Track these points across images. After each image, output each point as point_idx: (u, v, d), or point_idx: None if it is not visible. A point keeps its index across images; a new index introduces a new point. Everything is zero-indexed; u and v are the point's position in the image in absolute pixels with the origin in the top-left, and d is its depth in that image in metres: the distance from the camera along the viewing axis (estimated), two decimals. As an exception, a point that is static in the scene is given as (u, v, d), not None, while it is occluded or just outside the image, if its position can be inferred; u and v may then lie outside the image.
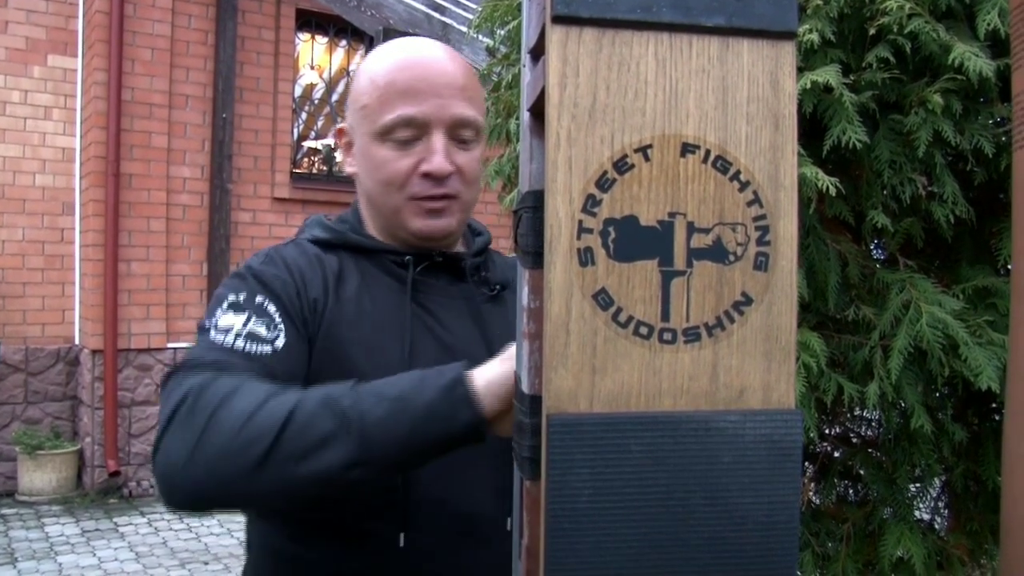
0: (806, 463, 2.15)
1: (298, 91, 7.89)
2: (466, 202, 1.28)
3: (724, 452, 0.64)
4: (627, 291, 0.63)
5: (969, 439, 1.95)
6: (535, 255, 0.68)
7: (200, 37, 7.27)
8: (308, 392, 0.99)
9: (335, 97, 8.21)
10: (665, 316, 0.63)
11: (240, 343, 1.11)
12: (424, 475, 1.13)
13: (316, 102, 8.09)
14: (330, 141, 8.11)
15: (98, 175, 6.79)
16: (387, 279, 1.27)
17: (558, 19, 0.62)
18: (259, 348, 1.12)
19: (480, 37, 2.83)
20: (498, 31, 2.53)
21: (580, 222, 0.62)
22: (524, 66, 0.76)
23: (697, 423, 0.63)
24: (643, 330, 0.63)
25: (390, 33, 3.83)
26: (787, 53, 0.66)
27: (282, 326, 1.15)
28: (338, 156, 1.35)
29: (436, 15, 4.25)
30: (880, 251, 2.06)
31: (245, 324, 1.14)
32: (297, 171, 7.83)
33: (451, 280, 1.31)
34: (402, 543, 1.16)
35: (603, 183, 0.62)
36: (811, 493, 2.16)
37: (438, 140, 1.22)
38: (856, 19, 1.79)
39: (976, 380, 1.69)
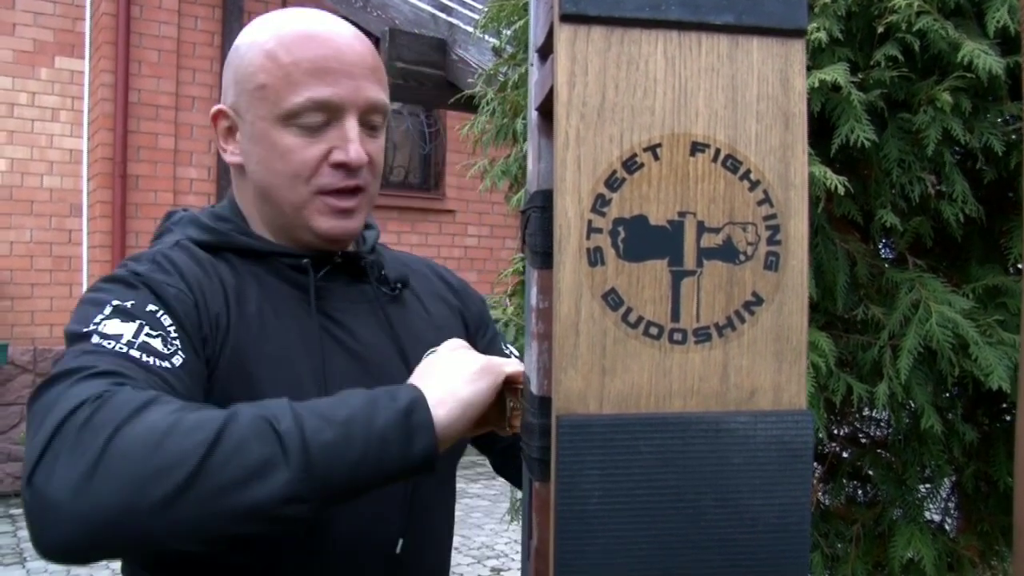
0: (815, 464, 2.14)
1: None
2: (372, 196, 1.15)
3: (735, 453, 0.63)
4: (637, 291, 0.62)
5: (979, 439, 1.94)
6: (544, 255, 0.68)
7: (206, 39, 7.29)
8: (237, 409, 0.82)
9: (341, 98, 8.19)
10: (675, 316, 0.63)
11: (135, 352, 0.92)
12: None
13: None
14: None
15: (105, 176, 6.81)
16: (286, 287, 1.12)
17: (566, 17, 0.61)
18: (156, 362, 0.93)
19: (486, 37, 2.83)
20: (504, 31, 2.53)
21: (589, 222, 0.61)
22: (532, 65, 0.76)
23: (707, 424, 0.63)
24: (653, 330, 0.62)
25: (397, 34, 3.84)
26: (797, 51, 0.65)
27: (178, 343, 0.97)
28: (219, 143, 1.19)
29: (442, 15, 4.25)
30: (889, 250, 2.05)
31: (136, 335, 0.94)
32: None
33: (350, 281, 1.18)
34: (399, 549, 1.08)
35: (612, 182, 0.62)
36: (820, 494, 2.15)
37: (352, 127, 1.08)
38: (864, 17, 1.79)
39: (986, 380, 1.68)
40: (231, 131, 1.16)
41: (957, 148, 1.79)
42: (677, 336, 0.63)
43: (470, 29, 3.72)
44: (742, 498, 0.63)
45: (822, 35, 1.70)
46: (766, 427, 0.64)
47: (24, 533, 5.96)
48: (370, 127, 1.12)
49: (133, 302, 0.98)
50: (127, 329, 0.94)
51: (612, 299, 0.62)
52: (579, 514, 0.61)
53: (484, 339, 1.34)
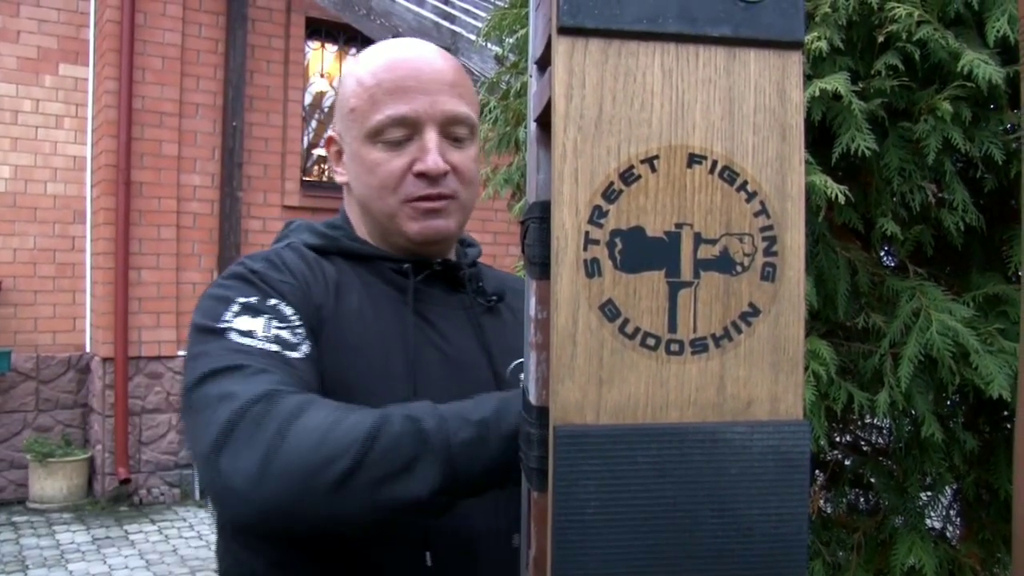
0: (816, 472, 2.14)
1: (308, 99, 7.92)
2: (464, 202, 1.23)
3: (731, 464, 0.63)
4: (634, 302, 0.62)
5: (980, 447, 1.94)
6: (542, 265, 0.68)
7: (210, 46, 7.31)
8: (388, 410, 0.92)
9: (345, 105, 8.21)
10: (672, 327, 0.63)
11: (272, 347, 1.05)
12: None
13: (326, 110, 8.12)
14: (323, 151, 8.14)
15: (109, 183, 6.82)
16: (386, 288, 1.22)
17: (564, 30, 0.62)
18: (290, 353, 1.05)
19: (489, 45, 2.84)
20: (507, 39, 2.53)
21: (587, 233, 0.62)
22: (531, 76, 0.76)
23: (704, 435, 0.63)
24: (650, 341, 0.63)
25: (399, 41, 3.85)
26: (794, 63, 0.65)
27: (302, 331, 1.09)
28: (330, 166, 1.32)
29: (445, 23, 4.26)
30: (890, 258, 2.06)
31: (267, 328, 1.07)
32: (307, 179, 7.85)
33: (448, 290, 1.26)
34: (429, 562, 1.10)
35: (609, 194, 0.62)
36: (822, 502, 2.15)
37: (431, 138, 1.16)
38: (865, 26, 1.79)
39: (987, 388, 1.68)
40: (339, 155, 1.27)
41: (958, 157, 1.79)
42: (674, 347, 0.63)
43: (473, 37, 3.73)
44: (739, 508, 0.63)
45: (823, 44, 1.70)
46: (763, 437, 0.64)
47: (26, 541, 5.96)
48: (454, 139, 1.19)
49: (257, 298, 1.10)
50: (258, 324, 1.07)
51: (609, 310, 0.62)
52: (576, 524, 0.62)
53: None
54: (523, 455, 0.73)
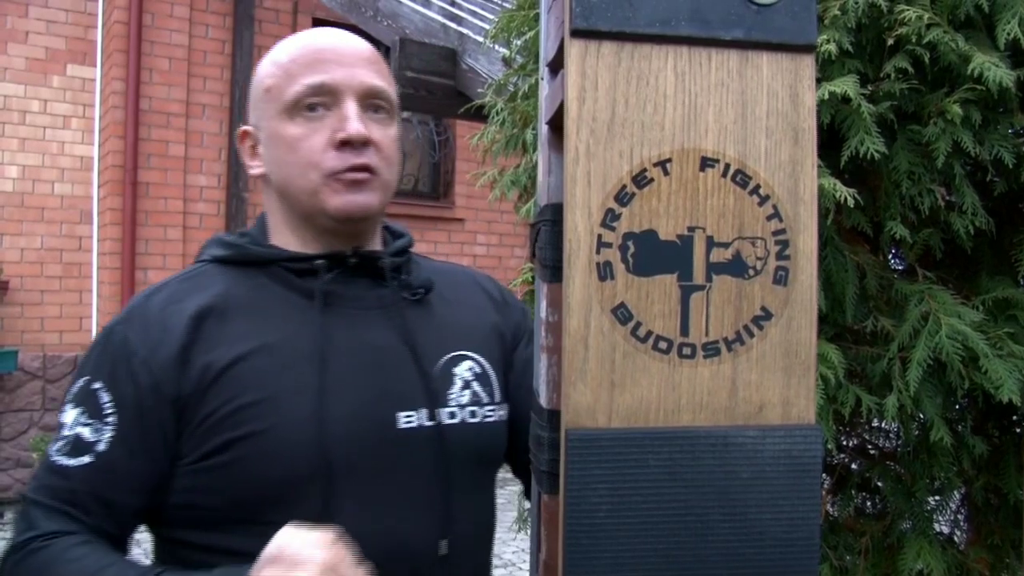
0: (824, 475, 2.14)
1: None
2: (386, 181, 1.17)
3: (743, 468, 0.63)
4: (646, 306, 0.62)
5: (989, 452, 1.93)
6: (554, 268, 0.68)
7: (217, 47, 7.32)
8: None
9: (351, 106, 8.23)
10: (684, 331, 0.63)
11: (61, 460, 1.07)
12: (348, 507, 1.07)
13: (332, 111, 8.11)
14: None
15: (116, 184, 6.84)
16: (291, 295, 1.15)
17: (577, 33, 0.62)
18: (71, 462, 1.07)
19: (496, 47, 2.84)
20: (514, 41, 2.53)
21: (599, 236, 0.62)
22: (543, 79, 0.76)
23: (716, 438, 0.63)
24: (662, 345, 0.63)
25: (407, 43, 3.85)
26: (806, 66, 0.65)
27: (110, 422, 1.08)
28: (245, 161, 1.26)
29: (453, 25, 4.26)
30: (898, 262, 2.05)
31: (74, 424, 1.08)
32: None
33: (370, 284, 1.19)
34: None
35: (622, 197, 0.62)
36: (829, 506, 2.15)
37: (350, 106, 1.12)
38: (874, 29, 1.79)
39: (996, 392, 1.68)
40: (254, 148, 1.21)
41: (967, 160, 1.79)
42: (686, 351, 0.63)
43: (480, 39, 3.73)
44: (750, 512, 0.63)
45: (832, 47, 1.70)
46: (775, 441, 0.64)
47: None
48: (374, 111, 1.16)
49: (86, 379, 1.11)
50: (70, 417, 1.09)
51: (621, 313, 0.62)
52: (588, 527, 0.62)
53: (525, 351, 1.33)
54: (534, 458, 0.73)
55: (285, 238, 1.20)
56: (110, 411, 1.07)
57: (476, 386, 1.22)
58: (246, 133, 1.22)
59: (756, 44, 0.64)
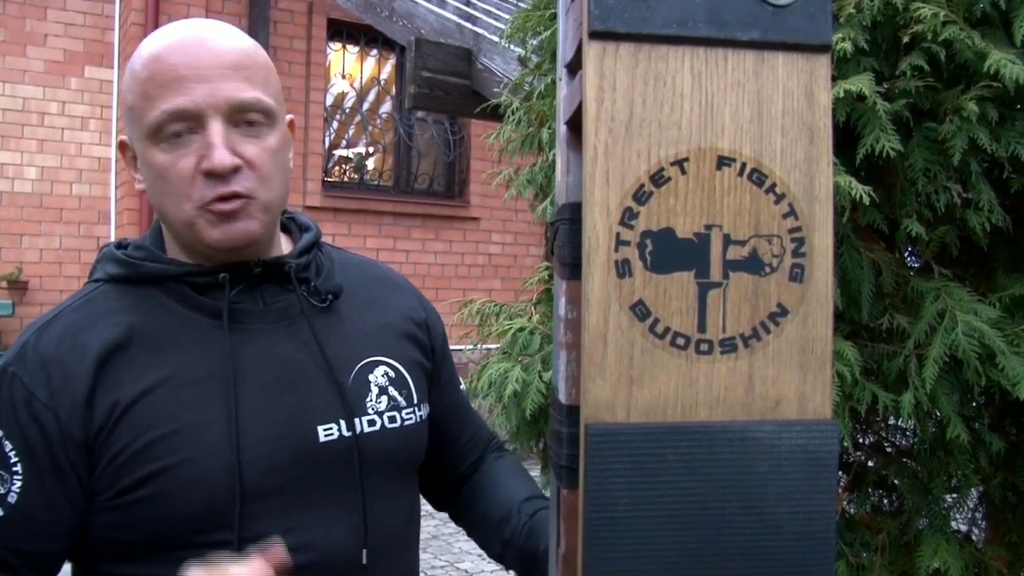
0: (840, 473, 2.14)
1: (329, 100, 7.96)
2: (266, 202, 1.07)
3: (760, 462, 0.64)
4: (664, 302, 0.63)
5: (1007, 449, 1.93)
6: (572, 266, 0.69)
7: (233, 48, 7.35)
8: None
9: (366, 106, 8.27)
10: (702, 327, 0.64)
11: None
12: (268, 527, 1.03)
13: (347, 111, 8.15)
14: (361, 149, 8.17)
15: (133, 184, 6.88)
16: (194, 314, 1.09)
17: (595, 35, 0.63)
18: None
19: (511, 47, 2.84)
20: (530, 41, 2.54)
21: (618, 234, 0.63)
22: (561, 80, 0.77)
23: (733, 433, 0.64)
24: (680, 341, 0.64)
25: (422, 43, 3.86)
26: (822, 66, 0.66)
27: (19, 470, 1.01)
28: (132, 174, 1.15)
29: (468, 25, 4.27)
30: (914, 259, 2.05)
31: None
32: (328, 179, 7.90)
33: (276, 292, 1.13)
34: None
35: (640, 196, 0.63)
36: (846, 503, 2.15)
37: (215, 131, 1.01)
38: (889, 27, 1.79)
39: (1014, 390, 1.68)
40: (135, 160, 1.12)
41: (983, 157, 1.79)
42: (703, 347, 0.64)
43: (495, 39, 3.74)
44: (767, 506, 0.64)
45: (847, 45, 1.70)
46: (791, 436, 0.65)
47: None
48: (248, 125, 1.05)
49: None
50: None
51: (640, 310, 0.63)
52: (607, 521, 0.63)
53: (445, 370, 1.34)
54: (553, 453, 0.74)
55: (180, 252, 1.13)
56: (15, 459, 1.01)
57: (392, 391, 1.18)
58: (123, 144, 1.13)
59: (772, 44, 0.65)
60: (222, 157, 1.01)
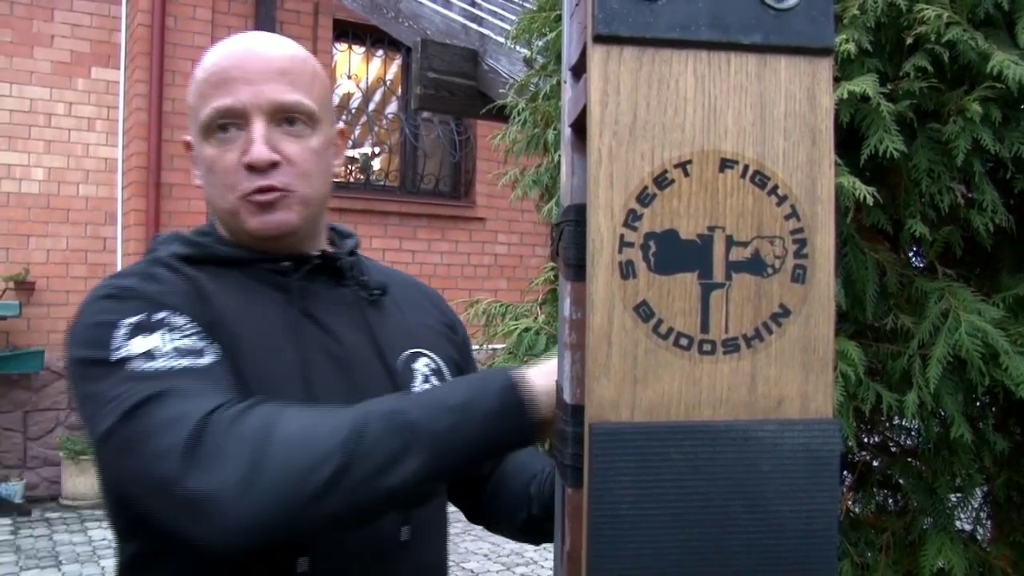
0: (845, 472, 2.14)
1: (335, 101, 7.97)
2: (305, 196, 1.16)
3: (763, 461, 0.65)
4: (667, 303, 0.64)
5: (1011, 449, 1.93)
6: (577, 267, 0.70)
7: (239, 49, 7.37)
8: (363, 407, 0.92)
9: (372, 106, 8.28)
10: (705, 328, 0.64)
11: (181, 362, 0.98)
12: None
13: (353, 111, 8.16)
14: (367, 150, 8.18)
15: (139, 185, 6.90)
16: (267, 289, 1.16)
17: (599, 39, 0.64)
18: (201, 361, 1.00)
19: (517, 48, 2.85)
20: (536, 42, 2.55)
21: (622, 236, 0.63)
22: (565, 82, 0.78)
23: (736, 432, 0.64)
24: (683, 341, 0.64)
25: (428, 44, 3.87)
26: (824, 69, 0.67)
27: (201, 336, 1.03)
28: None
29: (473, 26, 4.28)
30: (918, 259, 2.05)
31: (165, 343, 1.00)
32: (334, 179, 7.90)
33: (331, 283, 1.22)
34: (302, 568, 1.05)
35: (644, 198, 0.64)
36: (851, 502, 2.15)
37: (256, 128, 1.11)
38: (893, 28, 1.79)
39: (1017, 389, 1.68)
40: (196, 158, 1.21)
41: (987, 158, 1.79)
42: (706, 347, 0.65)
43: (501, 40, 3.75)
44: (770, 504, 0.65)
45: (851, 46, 1.71)
46: (793, 435, 0.65)
47: (59, 537, 6.04)
48: (289, 124, 1.14)
49: (141, 315, 1.02)
50: (155, 342, 1.00)
51: (643, 311, 0.64)
52: (611, 519, 0.63)
53: (470, 369, 1.39)
54: (557, 452, 0.74)
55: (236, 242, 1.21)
56: (193, 330, 1.03)
57: (434, 380, 1.25)
58: (187, 143, 1.22)
59: (774, 48, 0.65)
60: (260, 152, 1.11)
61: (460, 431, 0.90)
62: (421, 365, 1.25)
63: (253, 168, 1.11)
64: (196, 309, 1.07)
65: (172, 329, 1.02)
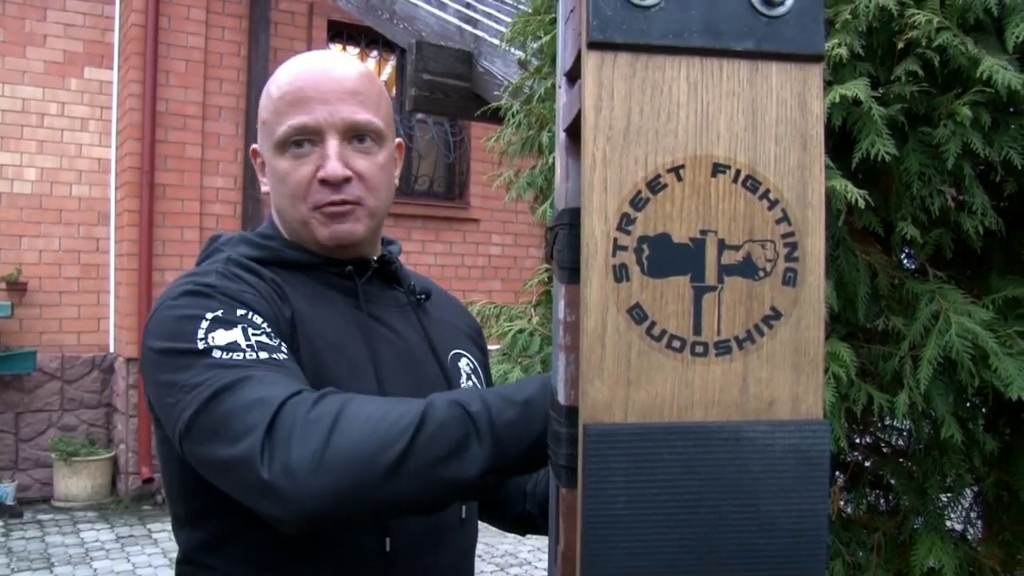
0: (836, 473, 2.16)
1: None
2: (372, 208, 1.25)
3: (754, 461, 0.66)
4: (660, 306, 0.65)
5: (1001, 449, 1.95)
6: (571, 270, 0.71)
7: (233, 49, 7.37)
8: (431, 398, 0.95)
9: (366, 108, 8.25)
10: (697, 330, 0.65)
11: (261, 354, 1.04)
12: None
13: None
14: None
15: (133, 185, 6.89)
16: (332, 291, 1.25)
17: (594, 45, 0.64)
18: (278, 356, 1.06)
19: (512, 50, 2.86)
20: (530, 44, 2.56)
21: (615, 240, 0.64)
22: (560, 88, 0.79)
23: (728, 433, 0.65)
24: (676, 343, 0.65)
25: (423, 46, 3.88)
26: (814, 75, 0.68)
27: (276, 335, 1.10)
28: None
29: (468, 28, 4.29)
30: (910, 262, 2.07)
31: (247, 337, 1.06)
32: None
33: (384, 286, 1.33)
34: (388, 548, 1.15)
35: (637, 202, 0.64)
36: (842, 502, 2.16)
37: (331, 145, 1.19)
38: (885, 33, 1.80)
39: (1007, 390, 1.69)
40: (263, 166, 1.30)
41: (977, 161, 1.80)
42: (699, 349, 0.65)
43: (496, 42, 3.76)
44: (761, 504, 0.66)
45: (843, 51, 1.72)
46: (784, 436, 0.66)
47: (51, 539, 6.03)
48: (360, 146, 1.23)
49: (223, 310, 1.09)
50: (236, 336, 1.06)
51: (637, 313, 0.64)
52: (605, 519, 0.64)
53: (490, 373, 1.51)
54: (552, 453, 0.75)
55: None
56: (269, 329, 1.10)
57: (475, 379, 1.37)
58: (255, 152, 1.32)
59: (766, 55, 0.66)
60: (335, 168, 1.19)
61: (524, 426, 0.91)
62: (463, 364, 1.37)
63: (327, 183, 1.20)
64: (276, 307, 1.15)
65: (252, 326, 1.08)
